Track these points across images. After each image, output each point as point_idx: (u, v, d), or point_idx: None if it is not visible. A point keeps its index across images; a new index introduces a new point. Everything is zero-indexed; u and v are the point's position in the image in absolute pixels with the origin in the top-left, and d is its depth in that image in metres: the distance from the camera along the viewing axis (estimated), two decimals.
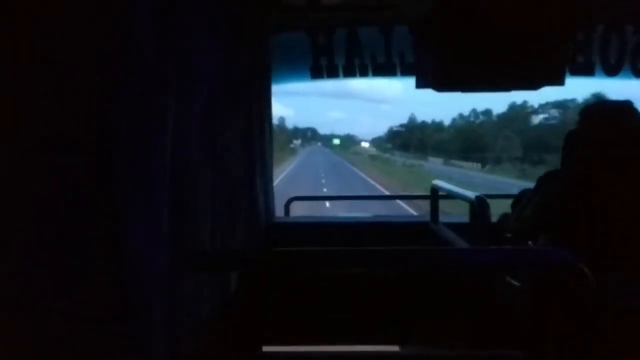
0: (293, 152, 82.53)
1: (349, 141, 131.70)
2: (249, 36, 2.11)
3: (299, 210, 3.67)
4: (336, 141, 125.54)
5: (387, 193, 19.99)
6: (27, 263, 0.64)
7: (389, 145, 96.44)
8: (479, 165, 53.66)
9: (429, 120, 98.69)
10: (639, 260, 1.67)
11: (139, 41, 0.81)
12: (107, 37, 0.73)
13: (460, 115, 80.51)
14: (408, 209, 14.81)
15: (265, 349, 2.51)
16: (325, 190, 24.61)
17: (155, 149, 0.90)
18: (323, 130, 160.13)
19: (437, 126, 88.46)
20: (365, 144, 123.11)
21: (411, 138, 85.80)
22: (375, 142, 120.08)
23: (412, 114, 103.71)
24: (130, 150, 0.79)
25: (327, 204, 13.32)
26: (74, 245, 0.69)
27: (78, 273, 0.69)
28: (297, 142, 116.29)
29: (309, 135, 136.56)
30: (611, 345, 1.55)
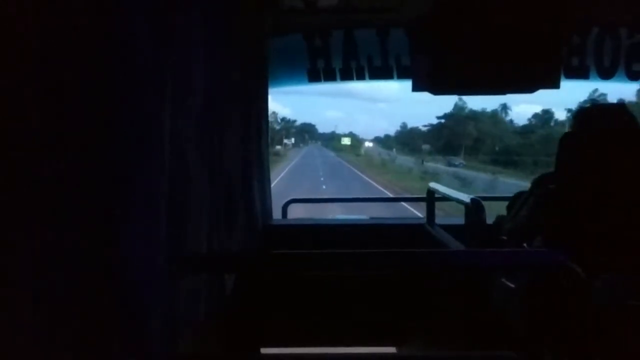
0: (278, 159, 53.12)
1: (354, 141, 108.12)
2: (246, 38, 2.12)
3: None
4: (346, 141, 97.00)
5: None
6: (25, 263, 0.64)
7: (427, 147, 66.68)
8: None
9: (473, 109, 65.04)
10: (633, 261, 1.68)
11: (137, 43, 0.82)
12: (105, 38, 0.74)
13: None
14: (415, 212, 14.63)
15: (263, 350, 2.52)
16: None
17: (153, 151, 0.90)
18: (322, 128, 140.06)
19: (492, 117, 57.66)
20: (369, 144, 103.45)
21: (462, 136, 57.82)
22: (379, 142, 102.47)
23: (461, 99, 60.96)
24: (127, 151, 0.79)
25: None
26: (72, 246, 0.69)
27: (76, 274, 0.70)
28: (289, 141, 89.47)
29: (306, 137, 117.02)
30: (605, 345, 1.57)
